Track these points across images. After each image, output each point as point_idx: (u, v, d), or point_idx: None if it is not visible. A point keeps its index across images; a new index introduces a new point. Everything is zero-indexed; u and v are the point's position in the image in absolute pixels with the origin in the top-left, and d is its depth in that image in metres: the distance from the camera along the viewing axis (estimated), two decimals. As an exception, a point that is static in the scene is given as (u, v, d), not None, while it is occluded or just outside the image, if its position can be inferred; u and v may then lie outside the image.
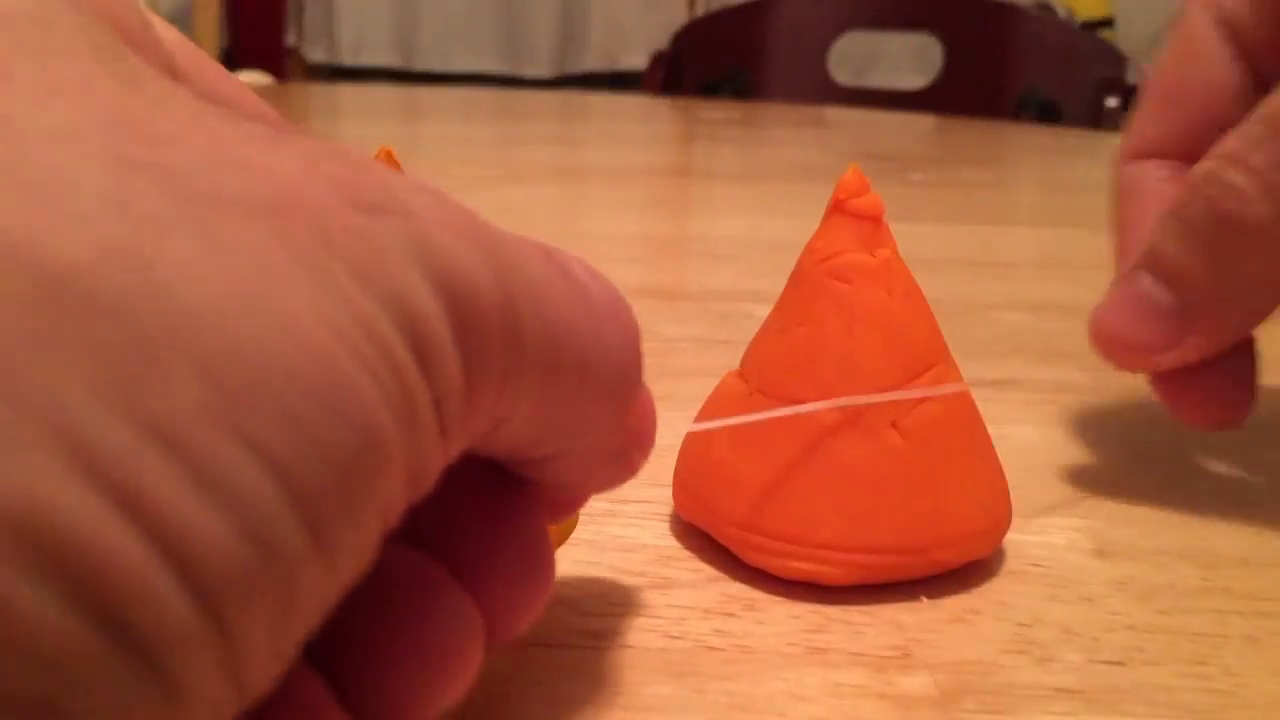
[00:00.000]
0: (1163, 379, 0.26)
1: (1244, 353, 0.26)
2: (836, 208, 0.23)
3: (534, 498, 0.16)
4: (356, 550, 0.11)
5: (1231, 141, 0.23)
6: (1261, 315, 0.25)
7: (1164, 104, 0.28)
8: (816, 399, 0.22)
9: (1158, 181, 0.28)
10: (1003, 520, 0.23)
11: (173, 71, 0.15)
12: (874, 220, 0.23)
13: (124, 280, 0.09)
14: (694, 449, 0.24)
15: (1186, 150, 0.27)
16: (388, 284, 0.11)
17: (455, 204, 0.13)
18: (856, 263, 0.22)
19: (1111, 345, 0.26)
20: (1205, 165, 0.24)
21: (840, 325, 0.22)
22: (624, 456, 0.17)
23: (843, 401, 0.22)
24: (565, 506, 0.18)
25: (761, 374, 0.23)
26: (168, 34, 0.15)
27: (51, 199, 0.10)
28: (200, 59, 0.16)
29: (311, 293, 0.10)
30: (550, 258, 0.14)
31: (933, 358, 0.23)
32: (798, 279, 0.23)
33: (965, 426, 0.23)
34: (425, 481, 0.12)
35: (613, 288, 0.15)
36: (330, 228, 0.11)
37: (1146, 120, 0.28)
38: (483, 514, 0.16)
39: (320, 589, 0.11)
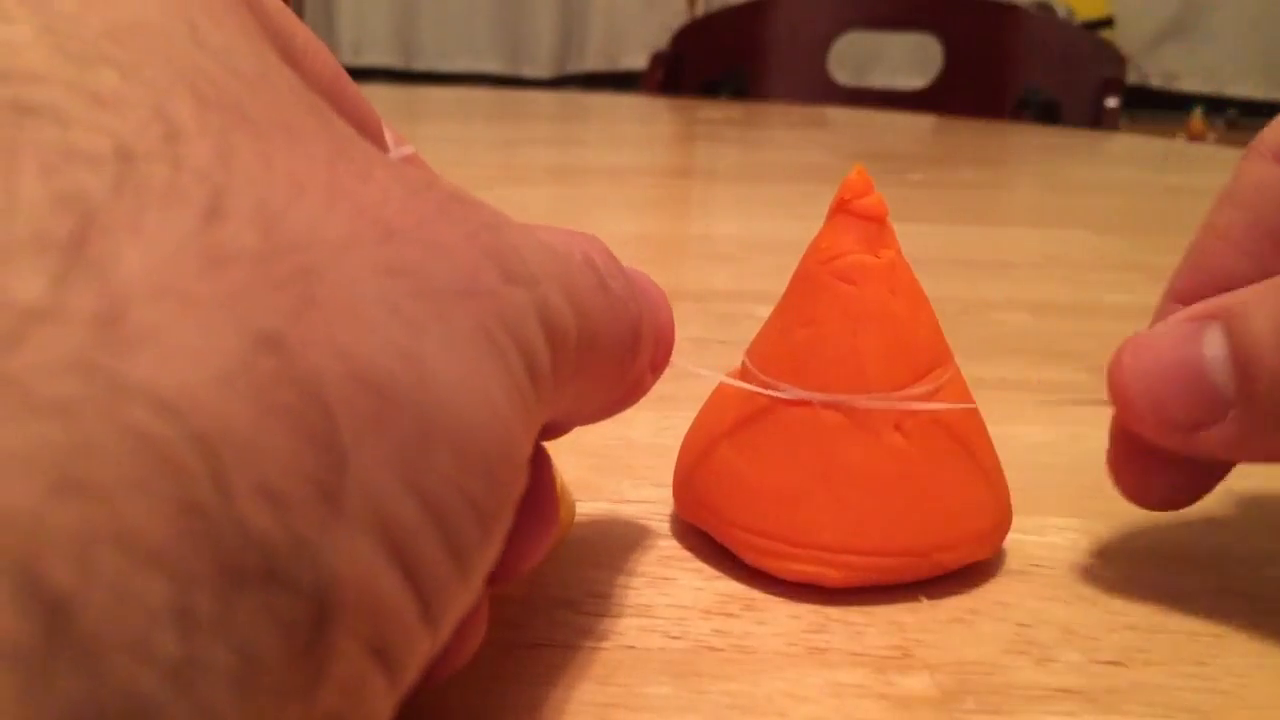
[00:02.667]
0: (1128, 446, 0.22)
1: None
2: (841, 208, 0.23)
3: None
4: (500, 544, 0.13)
5: None
6: None
7: None
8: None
9: None
10: (1004, 521, 0.23)
11: (295, 56, 0.16)
12: (878, 221, 0.23)
13: (410, 378, 0.11)
14: (695, 449, 0.24)
15: None
16: (527, 345, 0.13)
17: (550, 248, 0.15)
18: (860, 263, 0.22)
19: (1138, 410, 0.21)
20: None
21: (844, 326, 0.22)
22: (633, 389, 0.19)
23: (845, 398, 0.22)
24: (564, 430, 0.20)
25: (764, 374, 0.23)
26: (287, 18, 0.17)
27: (359, 314, 0.11)
28: (313, 43, 0.18)
29: (496, 368, 0.13)
30: (591, 265, 0.16)
31: (936, 359, 0.23)
32: (801, 279, 0.23)
33: (967, 427, 0.23)
34: None
35: (622, 277, 0.18)
36: (501, 305, 0.13)
37: None
38: None
39: (482, 578, 0.13)
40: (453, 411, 0.12)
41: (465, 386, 0.12)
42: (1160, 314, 0.23)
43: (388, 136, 0.20)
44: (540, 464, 0.18)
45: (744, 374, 0.24)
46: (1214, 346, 0.20)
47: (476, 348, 0.12)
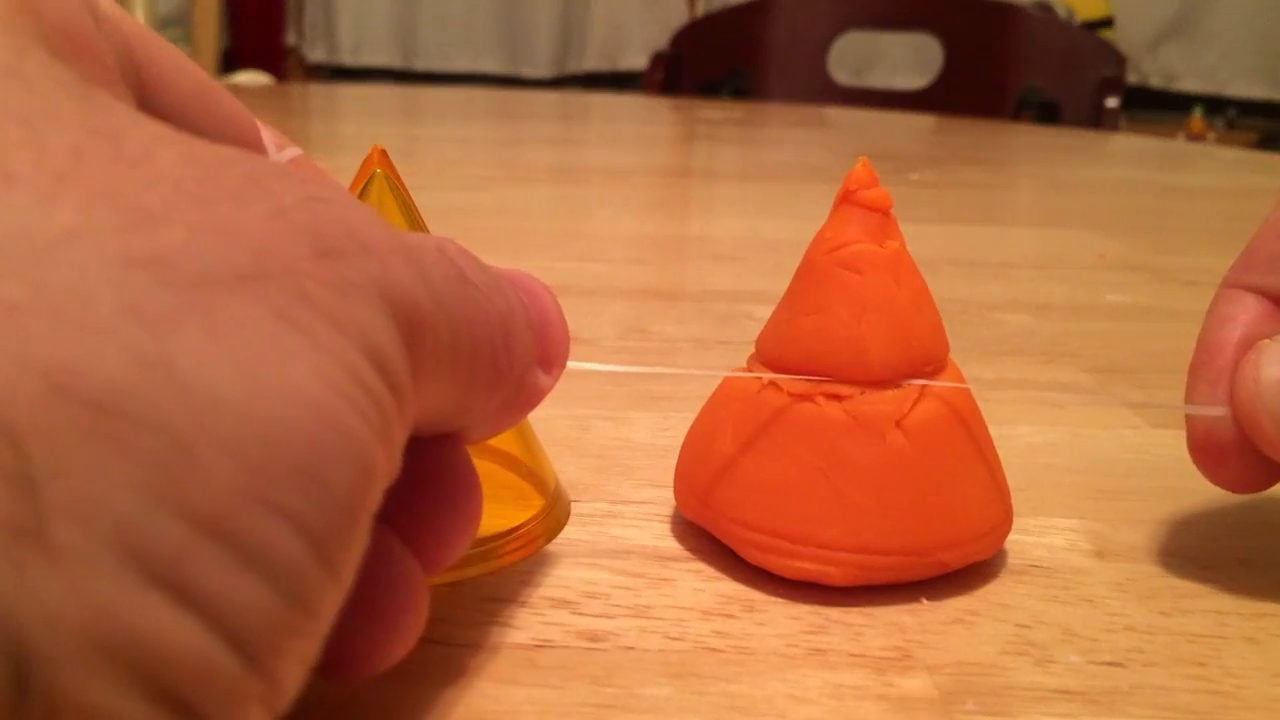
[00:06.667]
0: (1212, 441, 0.23)
1: None
2: (846, 199, 0.23)
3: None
4: (357, 557, 0.12)
5: None
6: None
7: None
8: (824, 386, 0.22)
9: (1250, 317, 0.23)
10: (1005, 521, 0.23)
11: (129, 64, 0.15)
12: (883, 212, 0.23)
13: (155, 389, 0.10)
14: (696, 446, 0.24)
15: None
16: (358, 326, 0.12)
17: (388, 224, 0.14)
18: (866, 253, 0.23)
19: (1261, 425, 0.21)
20: None
21: (849, 313, 0.22)
22: (524, 390, 0.18)
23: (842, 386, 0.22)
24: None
25: (772, 363, 0.23)
26: (130, 26, 0.16)
27: (78, 318, 0.10)
28: (175, 61, 0.17)
29: (305, 356, 0.11)
30: (445, 256, 0.15)
31: (936, 350, 0.23)
32: (807, 268, 0.23)
33: (967, 427, 0.23)
34: (393, 474, 0.13)
35: (483, 272, 0.16)
36: (305, 284, 0.12)
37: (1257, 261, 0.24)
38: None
39: (335, 602, 0.12)
40: (230, 413, 0.10)
41: (248, 382, 0.11)
42: (1219, 301, 0.24)
43: (267, 140, 0.20)
44: (448, 451, 0.17)
45: (749, 369, 0.24)
46: None
47: (264, 335, 0.11)
